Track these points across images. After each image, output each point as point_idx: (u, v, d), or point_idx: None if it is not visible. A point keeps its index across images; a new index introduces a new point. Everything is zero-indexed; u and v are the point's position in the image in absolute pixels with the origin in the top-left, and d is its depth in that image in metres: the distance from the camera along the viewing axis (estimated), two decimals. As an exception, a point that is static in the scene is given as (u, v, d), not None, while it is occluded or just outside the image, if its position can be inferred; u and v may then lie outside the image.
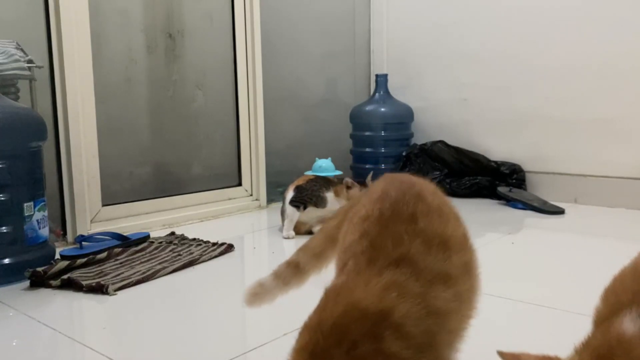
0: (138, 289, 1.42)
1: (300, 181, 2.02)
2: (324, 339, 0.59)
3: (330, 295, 0.64)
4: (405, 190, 0.73)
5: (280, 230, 1.97)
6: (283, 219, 1.97)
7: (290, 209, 1.94)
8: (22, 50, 1.69)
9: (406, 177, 0.78)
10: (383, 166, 2.74)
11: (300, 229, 1.95)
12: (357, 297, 0.62)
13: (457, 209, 0.78)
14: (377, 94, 2.82)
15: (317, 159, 2.42)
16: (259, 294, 0.84)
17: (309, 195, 1.94)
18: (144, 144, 2.17)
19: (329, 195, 1.95)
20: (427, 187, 0.76)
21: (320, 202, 1.94)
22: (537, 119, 2.51)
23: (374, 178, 1.99)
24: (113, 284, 1.40)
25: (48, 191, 1.63)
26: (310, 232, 1.97)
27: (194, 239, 1.83)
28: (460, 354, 0.75)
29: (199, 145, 2.34)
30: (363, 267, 0.66)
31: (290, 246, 1.85)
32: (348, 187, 1.95)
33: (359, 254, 0.68)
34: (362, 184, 1.95)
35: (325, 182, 1.99)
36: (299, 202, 1.94)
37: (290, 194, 1.97)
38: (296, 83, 2.73)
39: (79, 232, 1.86)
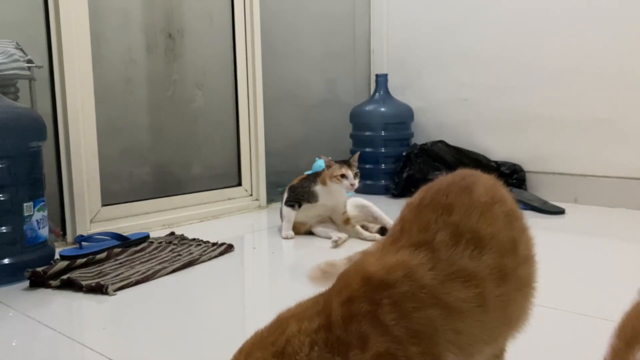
0: (138, 289, 1.41)
1: (295, 181, 2.02)
2: (331, 289, 0.65)
3: (352, 265, 0.67)
4: (454, 182, 0.72)
5: (280, 230, 1.97)
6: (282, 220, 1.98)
7: (286, 210, 1.95)
8: (21, 50, 1.69)
9: (471, 172, 0.76)
10: (383, 166, 2.74)
11: (300, 229, 1.95)
12: (368, 266, 0.64)
13: (521, 214, 0.76)
14: (377, 94, 2.82)
15: (317, 158, 2.41)
16: (328, 272, 0.85)
17: (301, 193, 1.95)
18: (144, 144, 2.17)
19: (318, 188, 1.94)
20: (484, 182, 0.73)
21: (311, 197, 1.94)
22: (537, 119, 2.51)
23: (360, 158, 1.98)
24: (113, 284, 1.40)
25: (48, 191, 1.63)
26: (310, 232, 1.97)
27: (194, 239, 1.83)
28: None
29: (199, 145, 2.34)
30: (386, 246, 0.67)
31: (290, 246, 1.85)
32: (328, 167, 1.93)
33: (389, 236, 0.69)
34: (345, 161, 1.93)
35: (315, 177, 1.98)
36: (293, 201, 1.95)
37: (285, 195, 1.99)
38: (296, 83, 2.73)
39: (78, 232, 1.86)
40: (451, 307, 0.62)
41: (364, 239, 1.88)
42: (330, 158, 1.96)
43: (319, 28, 2.80)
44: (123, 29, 2.07)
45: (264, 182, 2.48)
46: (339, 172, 1.89)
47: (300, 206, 1.95)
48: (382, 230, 1.94)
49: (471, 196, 0.69)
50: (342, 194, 1.95)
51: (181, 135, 2.27)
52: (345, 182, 1.88)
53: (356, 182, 1.90)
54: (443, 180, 0.74)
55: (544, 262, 1.69)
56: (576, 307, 1.22)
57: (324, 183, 1.93)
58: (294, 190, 1.98)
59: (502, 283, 0.66)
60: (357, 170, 1.93)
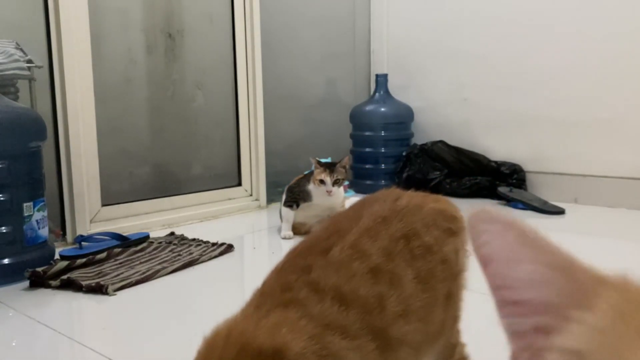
0: (138, 289, 1.41)
1: (292, 182, 2.03)
2: None
3: (216, 336, 0.59)
4: (316, 242, 0.70)
5: (279, 230, 1.97)
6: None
7: (284, 210, 1.96)
8: (21, 50, 1.69)
9: (338, 227, 0.71)
10: (383, 166, 2.74)
11: (299, 230, 1.95)
12: (245, 335, 0.57)
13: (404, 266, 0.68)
14: (377, 94, 2.82)
15: (310, 159, 2.41)
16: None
17: (297, 192, 1.96)
18: (144, 144, 2.17)
19: (311, 187, 1.93)
20: (349, 239, 0.68)
21: (307, 197, 1.94)
22: (537, 119, 2.51)
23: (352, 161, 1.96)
24: (113, 284, 1.40)
25: (47, 191, 1.63)
26: (309, 233, 1.97)
27: (194, 239, 1.83)
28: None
29: (199, 145, 2.34)
30: (250, 312, 0.62)
31: (290, 246, 1.85)
32: (316, 167, 1.93)
33: (250, 303, 0.64)
34: (330, 165, 1.92)
35: (310, 176, 1.98)
36: (291, 201, 1.95)
37: (284, 196, 2.00)
38: (296, 83, 2.73)
39: (78, 232, 1.86)
40: (338, 356, 0.59)
41: None
42: (317, 159, 1.96)
43: (319, 28, 2.80)
44: (123, 29, 2.06)
45: (264, 182, 2.48)
46: (318, 177, 1.90)
47: (298, 206, 1.95)
48: None
49: (327, 257, 0.66)
50: (339, 195, 1.95)
51: (181, 135, 2.27)
52: (322, 187, 1.88)
53: (334, 189, 1.88)
54: (306, 240, 0.72)
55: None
56: (576, 307, 1.22)
57: (314, 182, 1.93)
58: (291, 190, 1.98)
59: (375, 339, 0.62)
60: (340, 177, 1.90)
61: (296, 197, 1.96)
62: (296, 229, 1.95)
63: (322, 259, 0.66)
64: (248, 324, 0.59)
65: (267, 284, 0.66)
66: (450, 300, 0.73)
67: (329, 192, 1.88)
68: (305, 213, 1.95)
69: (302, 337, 0.57)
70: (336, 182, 1.89)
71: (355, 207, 0.78)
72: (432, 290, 0.69)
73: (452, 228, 0.75)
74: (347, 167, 1.97)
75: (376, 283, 0.65)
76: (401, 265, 0.68)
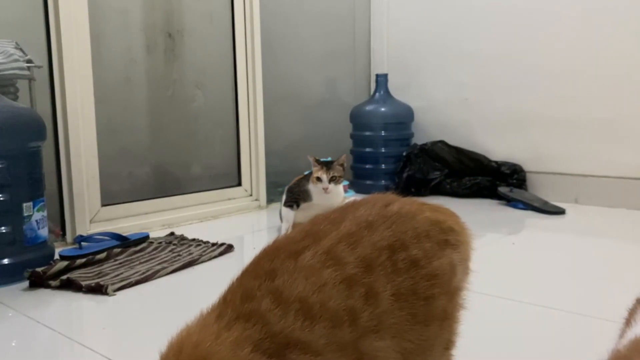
0: (137, 289, 1.41)
1: (292, 182, 2.02)
2: None
3: (173, 350, 0.55)
4: (285, 244, 0.64)
5: (279, 231, 1.96)
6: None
7: (284, 210, 1.95)
8: (21, 50, 1.69)
9: (313, 230, 0.65)
10: (383, 166, 2.74)
11: None
12: (204, 354, 0.53)
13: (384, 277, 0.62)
14: (377, 94, 2.82)
15: (308, 157, 2.41)
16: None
17: (297, 192, 1.95)
18: (144, 144, 2.17)
19: (311, 187, 1.92)
20: (323, 244, 0.62)
21: (306, 197, 1.93)
22: (537, 119, 2.51)
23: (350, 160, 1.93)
24: (112, 284, 1.39)
25: (47, 191, 1.63)
26: None
27: (194, 239, 1.83)
28: (464, 354, 0.75)
29: (199, 145, 2.33)
30: (210, 322, 0.57)
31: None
32: (316, 162, 1.92)
33: (212, 309, 0.59)
34: (328, 163, 1.91)
35: (309, 176, 1.97)
36: (291, 201, 1.95)
37: (284, 196, 1.99)
38: (296, 83, 2.73)
39: (78, 233, 1.86)
40: None
41: None
42: (315, 157, 1.94)
43: (319, 28, 2.80)
44: (123, 29, 2.06)
45: (264, 182, 2.48)
46: (315, 174, 1.89)
47: (298, 206, 1.94)
48: None
49: (296, 261, 0.60)
50: (338, 194, 1.93)
51: (181, 135, 2.27)
52: (319, 185, 1.87)
53: (330, 186, 1.87)
54: (277, 241, 0.65)
55: (545, 263, 1.69)
56: (577, 308, 1.22)
57: (313, 182, 1.92)
58: (291, 190, 1.98)
59: (343, 355, 0.58)
60: (337, 174, 1.89)
61: (296, 197, 1.95)
62: None
63: (290, 263, 0.60)
64: (206, 336, 0.54)
65: (230, 289, 0.61)
66: (444, 321, 0.67)
67: (325, 190, 1.87)
68: (306, 213, 1.94)
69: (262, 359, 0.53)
70: (332, 179, 1.88)
71: (341, 208, 0.71)
72: (410, 308, 0.62)
73: (449, 240, 0.69)
74: (345, 165, 1.95)
75: (349, 296, 0.59)
76: (380, 279, 0.61)
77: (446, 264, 0.67)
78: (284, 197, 2.00)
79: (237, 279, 0.61)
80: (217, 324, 0.56)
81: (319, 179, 1.88)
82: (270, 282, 0.58)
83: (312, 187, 1.92)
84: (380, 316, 0.60)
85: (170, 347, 0.55)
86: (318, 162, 1.92)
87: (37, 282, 1.43)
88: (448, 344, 0.70)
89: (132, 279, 1.44)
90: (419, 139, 2.82)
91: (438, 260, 0.66)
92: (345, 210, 0.69)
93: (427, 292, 0.64)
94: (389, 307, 0.61)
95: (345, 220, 0.65)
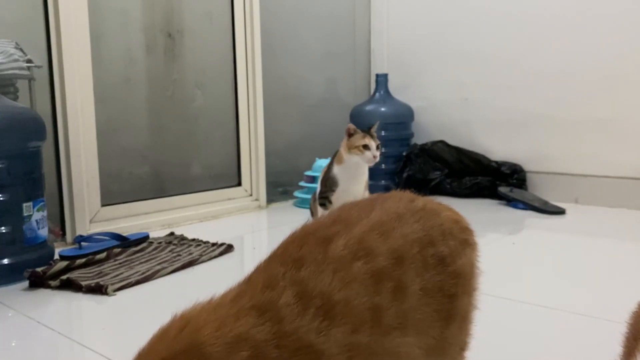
0: (137, 289, 1.41)
1: (321, 175, 1.88)
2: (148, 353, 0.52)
3: (177, 321, 0.55)
4: (317, 229, 0.61)
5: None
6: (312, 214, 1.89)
7: (319, 210, 1.84)
8: (21, 49, 1.69)
9: (350, 215, 0.62)
10: (383, 166, 2.73)
11: None
12: (201, 336, 0.51)
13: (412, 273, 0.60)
14: (377, 94, 2.81)
15: (317, 158, 2.41)
16: None
17: (325, 187, 1.81)
18: (144, 143, 2.16)
19: (336, 171, 1.76)
20: (355, 232, 0.59)
21: (334, 184, 1.78)
22: (537, 119, 2.51)
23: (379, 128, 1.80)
24: (112, 284, 1.39)
25: (47, 191, 1.63)
26: None
27: (194, 239, 1.83)
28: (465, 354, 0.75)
29: (199, 145, 2.33)
30: (227, 301, 0.55)
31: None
32: (349, 135, 1.75)
33: (234, 288, 0.57)
34: (365, 131, 1.77)
35: (332, 160, 1.82)
36: (323, 198, 1.81)
37: (318, 188, 1.85)
38: (296, 83, 2.73)
39: (78, 233, 1.86)
40: None
41: None
42: (353, 126, 1.78)
43: (319, 28, 2.80)
44: (123, 29, 2.06)
45: (264, 182, 2.48)
46: (361, 142, 1.68)
47: (330, 202, 1.78)
48: None
49: (327, 249, 0.57)
50: (364, 174, 1.76)
51: (181, 135, 2.27)
52: (368, 153, 1.68)
53: (378, 155, 1.70)
54: (306, 225, 0.62)
55: (545, 263, 1.69)
56: (577, 308, 1.22)
57: (340, 161, 1.74)
58: (323, 183, 1.81)
59: (354, 357, 0.54)
60: (379, 142, 1.73)
61: (326, 194, 1.79)
62: None
63: (319, 252, 0.57)
64: (211, 320, 0.52)
65: (257, 270, 0.59)
66: (463, 321, 0.66)
67: (375, 158, 1.68)
68: (332, 207, 1.81)
69: None
70: (378, 147, 1.72)
71: (368, 199, 0.69)
72: (437, 305, 0.61)
73: (468, 240, 0.68)
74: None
75: (376, 292, 0.56)
76: (410, 273, 0.59)
77: (467, 264, 0.66)
78: (317, 189, 1.84)
79: (265, 262, 0.59)
80: (230, 308, 0.53)
81: (366, 147, 1.68)
82: (296, 271, 0.55)
83: (339, 169, 1.72)
84: (407, 312, 0.58)
85: (174, 321, 0.54)
86: (357, 130, 1.73)
87: (37, 282, 1.42)
88: (463, 345, 0.69)
89: (132, 279, 1.44)
90: (419, 139, 2.82)
91: (460, 259, 0.65)
92: (374, 201, 0.67)
93: (451, 290, 0.63)
94: (416, 303, 0.59)
95: (374, 210, 0.63)
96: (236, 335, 0.50)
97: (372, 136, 1.74)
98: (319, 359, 0.52)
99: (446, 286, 0.62)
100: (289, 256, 0.57)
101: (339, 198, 1.79)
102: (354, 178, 1.75)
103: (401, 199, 0.67)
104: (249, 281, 0.57)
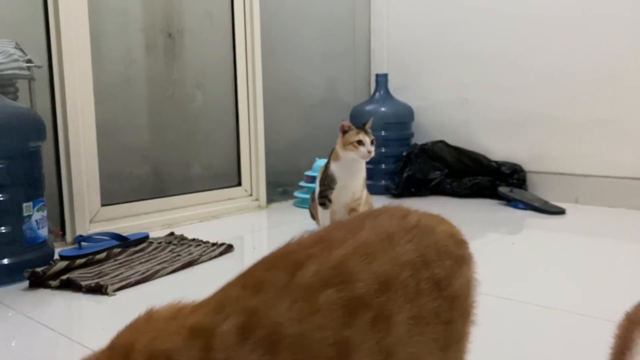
0: (137, 289, 1.41)
1: (319, 175, 1.88)
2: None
3: (128, 330, 0.54)
4: (290, 251, 0.56)
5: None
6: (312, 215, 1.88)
7: (320, 212, 1.83)
8: (21, 49, 1.69)
9: (328, 237, 0.57)
10: (383, 166, 2.74)
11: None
12: (135, 338, 0.50)
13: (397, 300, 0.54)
14: (377, 94, 2.82)
15: (317, 158, 2.41)
16: None
17: (324, 185, 1.81)
18: (144, 143, 2.16)
19: (333, 168, 1.77)
20: (330, 257, 0.53)
21: (332, 182, 1.78)
22: (538, 119, 2.51)
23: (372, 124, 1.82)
24: (112, 284, 1.39)
25: (47, 191, 1.62)
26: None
27: (194, 239, 1.83)
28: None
29: (199, 145, 2.33)
30: (178, 312, 0.54)
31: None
32: (343, 132, 1.76)
33: (203, 301, 0.55)
34: (359, 127, 1.78)
35: (328, 158, 1.82)
36: (322, 197, 1.81)
37: (317, 188, 1.85)
38: (296, 83, 2.73)
39: (78, 233, 1.86)
40: None
41: None
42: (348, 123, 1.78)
43: (319, 28, 2.80)
44: (123, 28, 2.06)
45: (264, 182, 2.48)
46: (355, 138, 1.69)
47: (330, 201, 1.78)
48: None
49: (294, 275, 0.51)
50: (361, 170, 1.77)
51: (181, 135, 2.27)
52: (362, 149, 1.70)
53: (373, 150, 1.72)
54: (288, 244, 0.57)
55: (545, 263, 1.68)
56: (577, 308, 1.22)
57: (336, 158, 1.75)
58: (322, 182, 1.81)
59: None
60: (374, 137, 1.74)
61: (325, 192, 1.79)
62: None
63: (284, 277, 0.51)
64: (152, 330, 0.51)
65: (221, 289, 0.55)
66: (459, 344, 0.61)
67: (369, 154, 1.70)
68: (338, 204, 1.80)
69: None
70: (373, 142, 1.73)
71: (360, 216, 0.64)
72: (432, 334, 0.56)
73: (464, 256, 0.62)
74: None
75: (346, 325, 0.50)
76: (397, 300, 0.53)
77: (464, 284, 0.61)
78: (317, 189, 1.85)
79: (229, 282, 0.55)
80: (174, 321, 0.51)
81: (360, 143, 1.69)
82: (251, 296, 0.50)
83: (336, 166, 1.74)
84: (393, 346, 0.52)
85: (132, 322, 0.53)
86: (351, 126, 1.74)
87: (37, 282, 1.42)
88: None
89: (132, 279, 1.44)
90: (419, 139, 2.82)
91: (456, 280, 0.60)
92: (365, 219, 0.62)
93: (447, 316, 0.57)
94: (406, 334, 0.53)
95: (363, 229, 0.58)
96: (161, 351, 0.48)
97: (366, 132, 1.75)
98: None
99: (442, 312, 0.57)
100: (253, 278, 0.53)
101: (338, 195, 1.80)
102: (351, 174, 1.77)
103: (393, 215, 0.62)
104: (208, 299, 0.54)
